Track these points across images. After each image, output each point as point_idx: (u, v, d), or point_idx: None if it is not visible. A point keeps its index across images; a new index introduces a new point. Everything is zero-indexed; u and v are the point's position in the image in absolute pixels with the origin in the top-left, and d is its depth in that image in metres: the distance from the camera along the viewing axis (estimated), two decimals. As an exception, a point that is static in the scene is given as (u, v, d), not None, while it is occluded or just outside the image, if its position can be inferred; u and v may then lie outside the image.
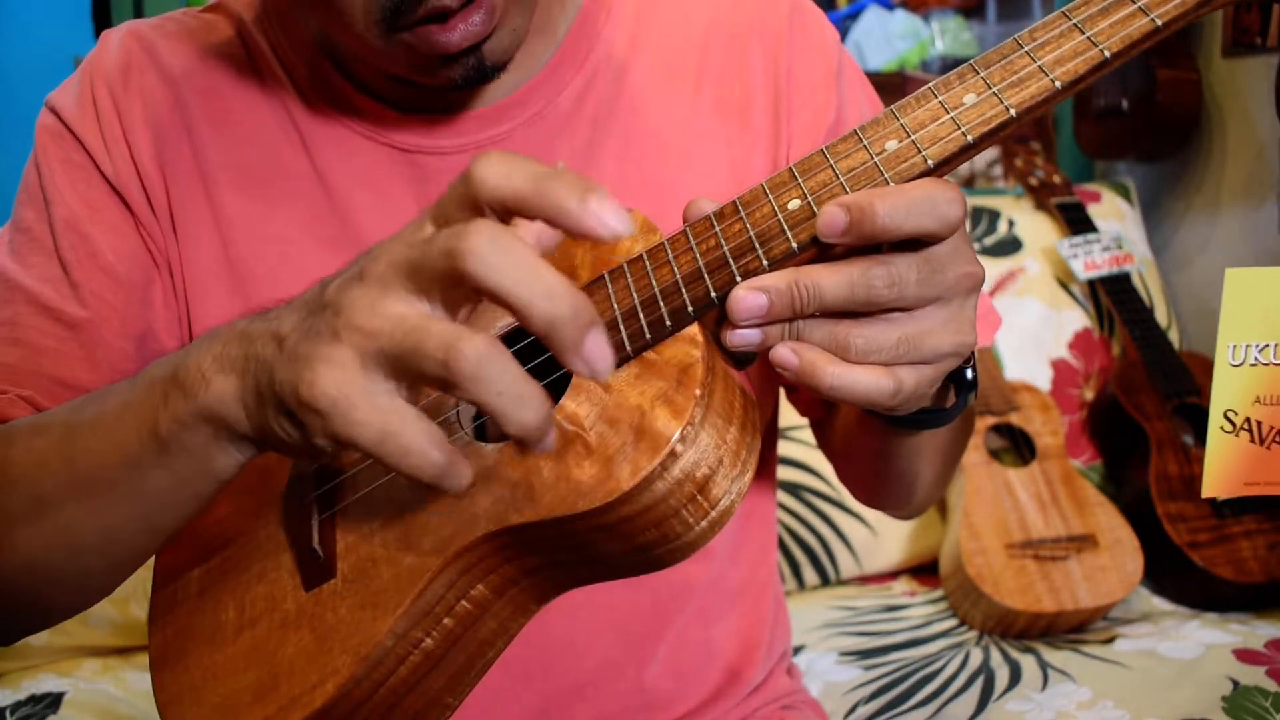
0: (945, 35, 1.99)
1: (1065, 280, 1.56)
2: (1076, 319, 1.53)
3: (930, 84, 0.47)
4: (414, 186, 0.67)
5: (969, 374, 0.54)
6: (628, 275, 0.49)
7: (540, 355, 0.50)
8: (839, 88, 0.72)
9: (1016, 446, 1.39)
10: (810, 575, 1.36)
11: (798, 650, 1.18)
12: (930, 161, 0.45)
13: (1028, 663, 1.08)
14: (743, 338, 0.46)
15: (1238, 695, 0.94)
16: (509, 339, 0.52)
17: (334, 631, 0.47)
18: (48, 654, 1.17)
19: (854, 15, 1.99)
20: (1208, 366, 1.49)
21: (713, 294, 0.46)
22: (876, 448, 0.65)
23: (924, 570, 1.40)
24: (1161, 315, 1.56)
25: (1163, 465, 1.33)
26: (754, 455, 0.46)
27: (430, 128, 0.68)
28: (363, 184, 0.67)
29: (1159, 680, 1.00)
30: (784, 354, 0.45)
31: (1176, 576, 1.26)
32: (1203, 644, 1.07)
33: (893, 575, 1.41)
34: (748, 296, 0.45)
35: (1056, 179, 1.62)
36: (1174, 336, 1.55)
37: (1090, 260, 1.53)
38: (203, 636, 0.51)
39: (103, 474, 0.51)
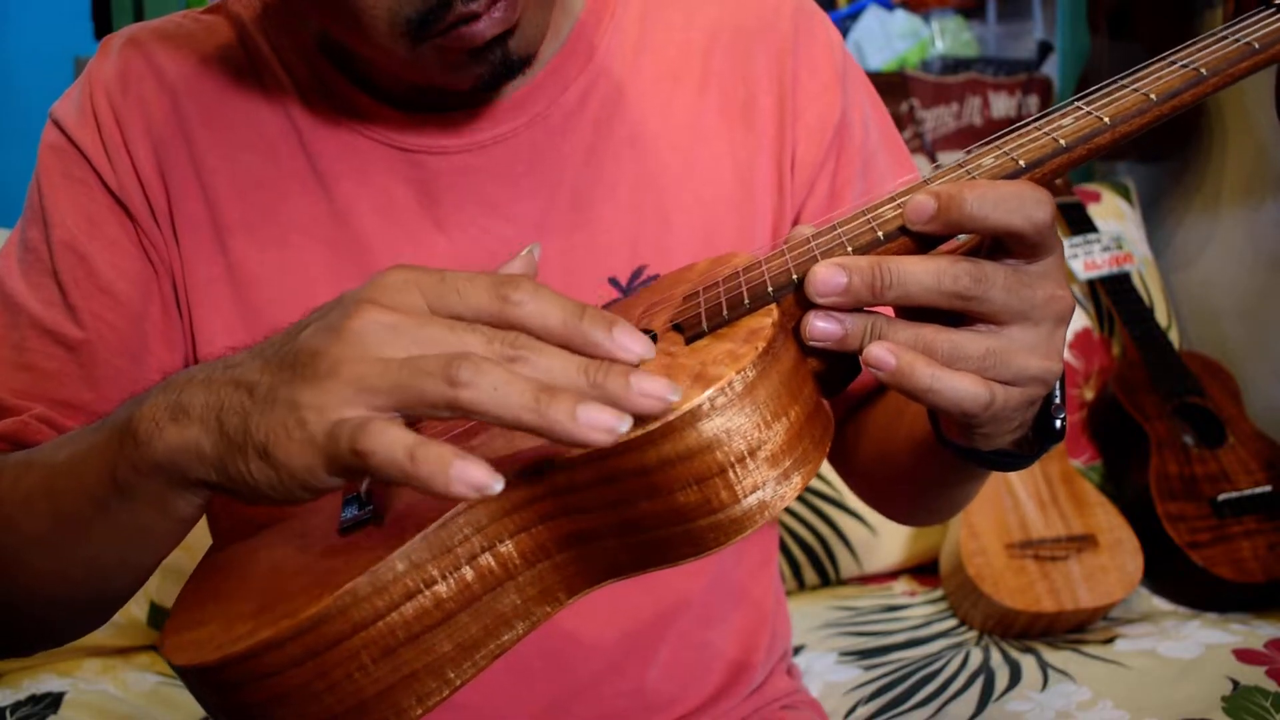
0: (945, 35, 1.99)
1: (1065, 280, 1.56)
2: (1077, 319, 1.53)
3: (1032, 118, 0.49)
4: (417, 187, 0.67)
5: (1058, 423, 0.52)
6: (720, 284, 0.50)
7: None
8: (843, 90, 0.73)
9: (1016, 446, 1.39)
10: (810, 575, 1.36)
11: (798, 650, 1.18)
12: (1021, 162, 0.46)
13: (1028, 663, 1.08)
14: (823, 329, 0.45)
15: (1238, 695, 0.94)
16: None
17: (350, 556, 0.44)
18: (48, 654, 1.17)
19: (854, 15, 1.99)
20: (1208, 366, 1.49)
21: (794, 276, 0.46)
22: (940, 477, 0.64)
23: (924, 570, 1.40)
24: (1161, 315, 1.56)
25: (1163, 465, 1.33)
26: (814, 454, 0.45)
27: (433, 128, 0.67)
28: (365, 186, 0.67)
29: (1159, 680, 1.00)
30: (880, 353, 0.45)
31: (1176, 576, 1.26)
32: (1203, 644, 1.07)
33: (893, 575, 1.41)
34: (826, 271, 0.44)
35: (1056, 179, 1.62)
36: (1174, 336, 1.55)
37: (1090, 260, 1.53)
38: (227, 579, 0.50)
39: (79, 514, 0.51)
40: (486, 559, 0.44)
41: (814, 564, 1.36)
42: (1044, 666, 1.07)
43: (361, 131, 0.67)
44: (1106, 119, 0.46)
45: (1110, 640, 1.13)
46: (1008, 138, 0.48)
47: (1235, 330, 1.61)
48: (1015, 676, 1.06)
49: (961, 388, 0.45)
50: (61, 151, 0.67)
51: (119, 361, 0.66)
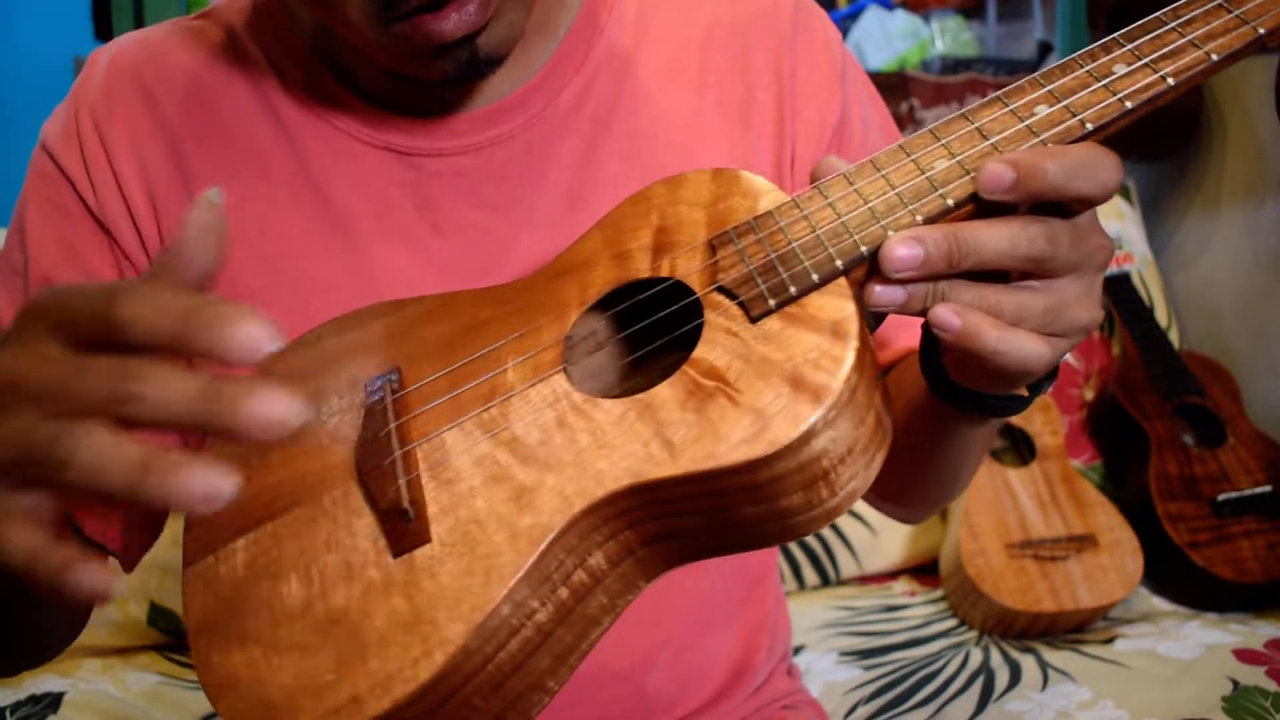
0: (945, 35, 1.99)
1: (1065, 280, 1.56)
2: (1076, 319, 1.53)
3: (1072, 55, 0.47)
4: (413, 190, 0.67)
5: None
6: (757, 231, 0.47)
7: (654, 313, 0.50)
8: (843, 87, 0.72)
9: (1016, 446, 1.39)
10: (810, 575, 1.36)
11: (798, 650, 1.18)
12: (1089, 125, 0.45)
13: (1028, 663, 1.08)
14: (888, 296, 0.44)
15: (1238, 695, 0.94)
16: (602, 305, 0.51)
17: (437, 600, 0.42)
18: (48, 654, 1.17)
19: (854, 15, 1.99)
20: (1208, 366, 1.49)
21: (862, 248, 0.45)
22: (936, 437, 0.63)
23: (924, 570, 1.40)
24: (1161, 315, 1.56)
25: (1163, 465, 1.33)
26: (890, 430, 0.45)
27: (428, 129, 0.67)
28: (359, 188, 0.67)
29: (1159, 680, 1.00)
30: (945, 315, 0.44)
31: (1176, 576, 1.26)
32: (1203, 644, 1.07)
33: (893, 575, 1.41)
34: (903, 247, 0.44)
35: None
36: (1174, 336, 1.55)
37: (1090, 260, 1.53)
38: (258, 612, 0.46)
39: None
40: (579, 574, 0.44)
41: (814, 564, 1.36)
42: (1044, 666, 1.07)
43: (355, 133, 0.67)
44: (1170, 80, 0.44)
45: (1110, 640, 1.13)
46: (1056, 82, 0.46)
47: (1235, 330, 1.61)
48: (1015, 676, 1.06)
49: (1027, 347, 0.45)
50: (46, 177, 0.67)
51: None
